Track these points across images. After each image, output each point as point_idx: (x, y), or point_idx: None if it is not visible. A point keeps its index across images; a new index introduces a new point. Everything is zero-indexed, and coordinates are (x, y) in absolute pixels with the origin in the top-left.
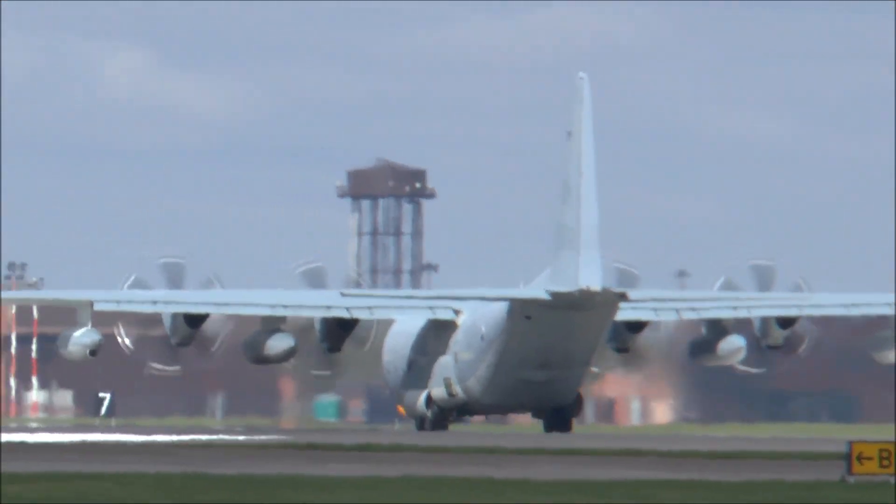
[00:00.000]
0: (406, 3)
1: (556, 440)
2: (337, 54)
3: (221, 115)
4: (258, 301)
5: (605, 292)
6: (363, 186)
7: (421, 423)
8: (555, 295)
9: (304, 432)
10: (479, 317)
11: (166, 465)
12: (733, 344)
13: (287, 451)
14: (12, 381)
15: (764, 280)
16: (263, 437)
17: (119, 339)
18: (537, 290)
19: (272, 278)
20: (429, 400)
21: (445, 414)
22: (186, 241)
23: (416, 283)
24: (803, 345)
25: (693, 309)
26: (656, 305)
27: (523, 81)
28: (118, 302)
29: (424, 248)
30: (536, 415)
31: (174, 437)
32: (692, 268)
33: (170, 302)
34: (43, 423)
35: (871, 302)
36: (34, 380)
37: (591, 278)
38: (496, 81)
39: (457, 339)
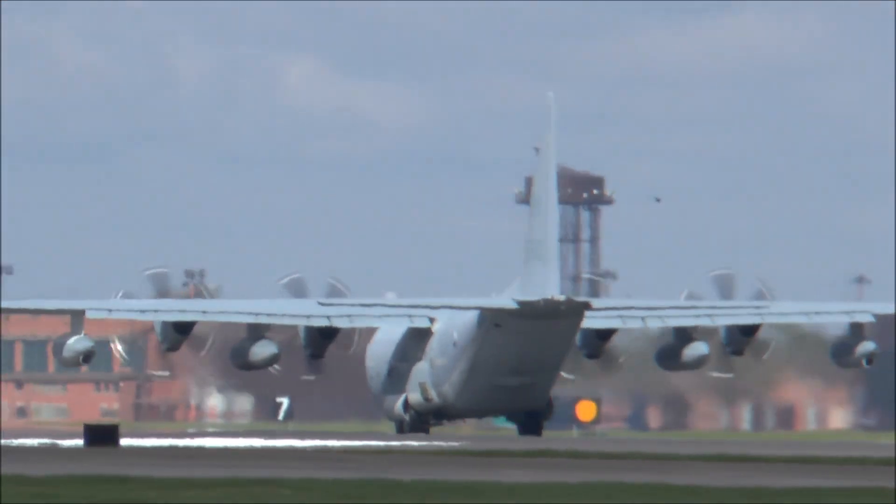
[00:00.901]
0: (585, 11)
1: (745, 447)
2: (515, 61)
3: (399, 122)
4: (243, 310)
5: (569, 301)
6: None
7: (400, 427)
8: (521, 304)
9: (480, 438)
10: (452, 325)
11: (343, 470)
12: (698, 350)
13: (463, 457)
14: (192, 387)
15: (725, 289)
16: (440, 443)
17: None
18: (505, 299)
19: (459, 285)
20: (406, 404)
21: (423, 418)
22: (368, 250)
23: (594, 291)
24: (767, 351)
25: (658, 317)
26: (623, 314)
27: (701, 90)
28: (109, 311)
29: (602, 255)
30: (511, 418)
31: (351, 443)
32: (872, 275)
33: (158, 311)
34: (221, 428)
35: (829, 310)
36: (213, 385)
37: (555, 288)
38: (673, 90)
39: (432, 345)
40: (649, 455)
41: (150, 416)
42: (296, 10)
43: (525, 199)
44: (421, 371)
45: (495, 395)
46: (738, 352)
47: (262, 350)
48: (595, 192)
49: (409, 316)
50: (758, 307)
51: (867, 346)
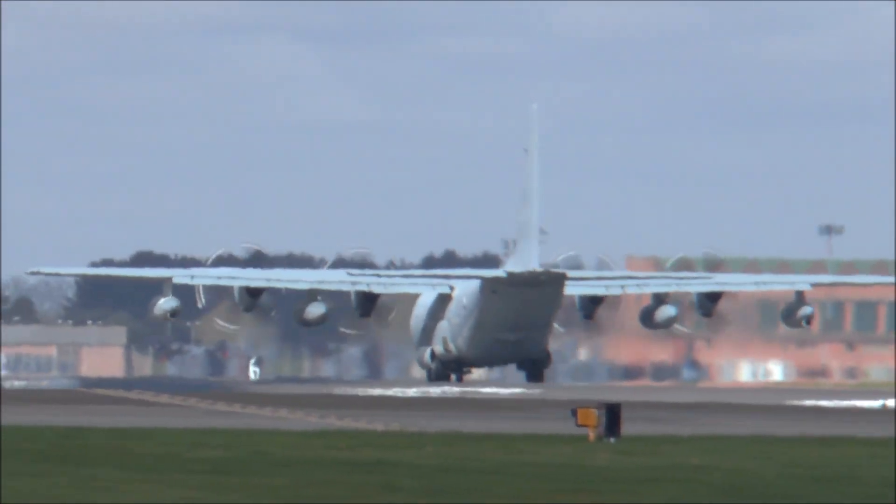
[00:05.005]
0: None
1: None
2: None
3: None
4: (300, 278)
5: (548, 273)
6: None
7: (429, 374)
8: (510, 274)
9: None
10: (463, 291)
11: None
12: (667, 312)
13: None
14: None
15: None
16: None
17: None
18: (498, 270)
19: None
20: (433, 354)
21: (446, 366)
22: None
23: None
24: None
25: (636, 285)
26: (607, 283)
27: None
28: (192, 277)
29: None
30: (520, 367)
31: None
32: None
33: (234, 277)
34: None
35: (781, 280)
36: None
37: (538, 262)
38: None
39: (450, 308)
40: None
41: None
42: None
43: None
44: (443, 328)
45: (497, 348)
46: (707, 314)
47: (314, 310)
48: None
49: (433, 285)
50: (716, 278)
51: (806, 310)
